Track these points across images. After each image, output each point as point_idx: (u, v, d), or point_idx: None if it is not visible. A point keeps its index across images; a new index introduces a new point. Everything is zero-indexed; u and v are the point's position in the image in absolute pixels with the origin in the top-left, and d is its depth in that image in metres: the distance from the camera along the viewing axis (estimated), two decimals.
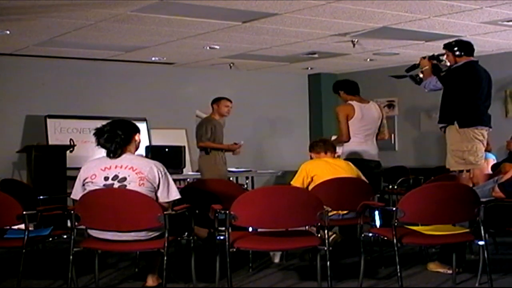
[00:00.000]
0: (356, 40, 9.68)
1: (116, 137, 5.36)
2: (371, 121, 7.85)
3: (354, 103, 7.82)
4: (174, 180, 5.58)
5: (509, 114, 11.10)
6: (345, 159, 7.34)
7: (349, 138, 7.72)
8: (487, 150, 9.78)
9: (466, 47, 7.07)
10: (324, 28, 8.92)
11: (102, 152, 5.44)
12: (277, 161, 12.09)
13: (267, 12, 7.95)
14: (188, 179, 8.67)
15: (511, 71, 11.01)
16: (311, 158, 7.05)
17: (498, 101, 10.98)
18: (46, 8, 7.49)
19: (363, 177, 6.82)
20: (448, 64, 6.99)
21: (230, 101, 9.39)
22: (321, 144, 7.05)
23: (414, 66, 7.46)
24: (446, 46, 7.16)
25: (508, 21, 8.51)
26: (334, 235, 6.41)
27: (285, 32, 9.13)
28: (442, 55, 7.18)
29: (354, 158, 7.43)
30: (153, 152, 8.71)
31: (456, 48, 7.03)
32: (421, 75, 7.33)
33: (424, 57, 7.28)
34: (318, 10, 7.79)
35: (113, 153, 5.35)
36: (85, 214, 5.21)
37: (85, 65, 11.50)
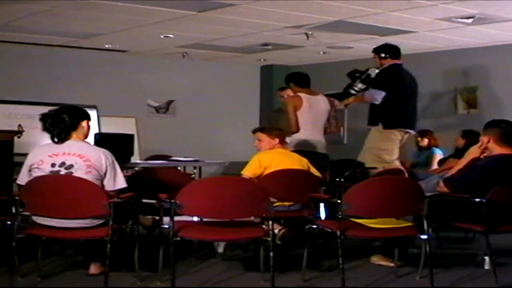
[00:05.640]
0: (310, 33, 9.71)
1: (61, 122, 5.34)
2: (318, 113, 7.93)
3: (302, 94, 7.90)
4: (122, 168, 5.54)
5: (458, 110, 11.20)
6: (292, 151, 7.36)
7: (298, 129, 7.82)
8: (435, 145, 9.97)
9: (391, 50, 7.45)
10: (279, 20, 8.93)
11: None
12: (225, 151, 12.09)
13: (223, 2, 7.94)
14: (136, 168, 8.57)
15: (462, 68, 11.13)
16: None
17: (448, 97, 11.11)
18: None
19: (315, 171, 6.79)
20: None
21: (280, 90, 9.54)
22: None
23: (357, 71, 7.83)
24: (374, 50, 7.53)
25: (461, 18, 8.60)
26: (284, 230, 6.40)
27: (241, 23, 9.13)
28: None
29: (301, 150, 7.44)
30: (102, 140, 8.56)
31: (381, 51, 7.39)
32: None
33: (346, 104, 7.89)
34: (274, 1, 7.81)
35: (57, 138, 5.32)
36: (30, 200, 5.17)
37: (38, 51, 11.39)
